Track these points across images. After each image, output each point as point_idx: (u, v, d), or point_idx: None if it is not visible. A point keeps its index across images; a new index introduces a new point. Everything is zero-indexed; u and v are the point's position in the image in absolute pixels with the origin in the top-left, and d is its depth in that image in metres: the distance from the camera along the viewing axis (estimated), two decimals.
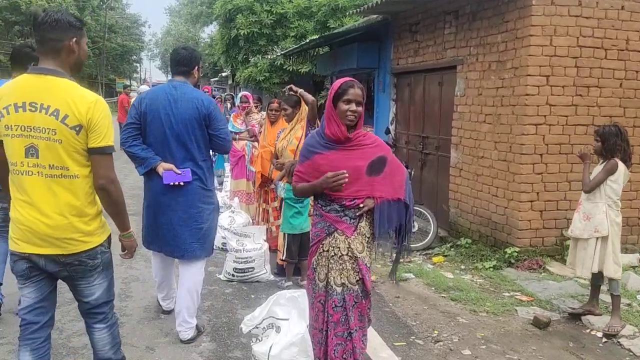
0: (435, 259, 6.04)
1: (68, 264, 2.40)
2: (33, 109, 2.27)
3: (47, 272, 2.44)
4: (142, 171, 3.57)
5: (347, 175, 2.73)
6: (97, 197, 2.46)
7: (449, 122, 6.90)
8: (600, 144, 4.13)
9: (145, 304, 4.33)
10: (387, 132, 8.06)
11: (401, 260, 3.16)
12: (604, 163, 4.13)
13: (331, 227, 2.90)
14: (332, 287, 2.88)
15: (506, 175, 5.81)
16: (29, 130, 2.28)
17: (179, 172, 3.51)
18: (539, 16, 5.40)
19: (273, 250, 5.32)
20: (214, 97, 16.57)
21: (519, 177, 5.62)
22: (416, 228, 6.45)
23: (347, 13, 11.91)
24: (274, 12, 13.86)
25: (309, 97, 4.70)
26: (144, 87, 16.80)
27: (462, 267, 5.77)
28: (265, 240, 5.12)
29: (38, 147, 2.29)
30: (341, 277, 2.87)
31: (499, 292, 4.96)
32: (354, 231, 2.88)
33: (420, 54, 7.70)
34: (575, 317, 4.36)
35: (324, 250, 2.92)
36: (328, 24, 13.16)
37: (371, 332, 3.34)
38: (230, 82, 23.76)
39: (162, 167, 3.50)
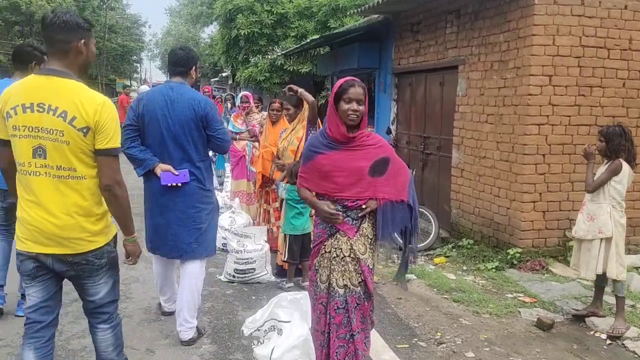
0: (437, 260, 6.01)
1: (75, 264, 2.42)
2: (41, 110, 2.28)
3: (53, 272, 2.45)
4: (140, 172, 3.58)
5: (341, 219, 2.83)
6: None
7: (451, 122, 6.87)
8: (605, 144, 4.09)
9: (146, 306, 4.30)
10: (389, 132, 8.04)
11: (410, 264, 3.12)
12: (608, 163, 4.09)
13: (333, 228, 2.87)
14: (334, 288, 2.86)
15: (508, 176, 5.78)
16: (36, 131, 2.29)
17: (177, 173, 3.52)
18: (542, 15, 5.37)
19: (273, 251, 5.28)
20: (214, 98, 16.57)
21: (522, 178, 5.59)
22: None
23: (348, 13, 11.89)
24: (275, 12, 13.84)
25: (309, 97, 4.67)
26: (144, 87, 16.78)
27: (464, 268, 5.74)
28: (266, 241, 5.09)
29: (46, 148, 2.30)
30: (343, 279, 2.85)
31: (502, 294, 4.92)
32: (356, 232, 2.86)
33: (421, 54, 7.67)
34: (579, 318, 4.33)
35: (326, 252, 2.90)
36: (329, 24, 13.14)
37: (373, 334, 3.30)
38: (230, 82, 23.73)
39: (160, 168, 3.51)
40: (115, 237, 2.56)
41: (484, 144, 6.18)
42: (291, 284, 4.81)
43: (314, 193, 2.93)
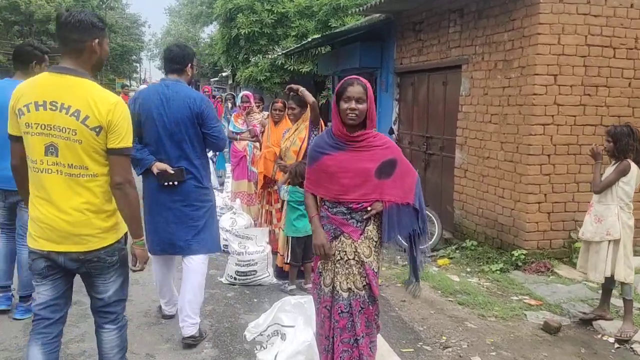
0: (440, 262, 5.94)
1: (87, 261, 2.42)
2: (53, 108, 2.29)
3: (64, 270, 2.46)
4: (138, 172, 3.57)
5: (331, 259, 2.79)
6: None
7: (454, 122, 6.80)
8: (612, 144, 4.02)
9: (146, 308, 4.23)
10: (391, 132, 7.97)
11: (420, 270, 3.03)
12: (616, 164, 4.02)
13: (337, 230, 2.82)
14: (338, 292, 2.81)
15: (513, 176, 5.71)
16: (49, 129, 2.30)
17: (172, 171, 3.53)
18: (547, 14, 5.31)
19: (274, 252, 5.22)
20: (214, 97, 16.50)
21: (526, 178, 5.52)
22: None
23: (349, 12, 11.82)
24: (275, 11, 13.76)
25: (310, 97, 4.60)
26: (144, 87, 16.69)
27: (468, 269, 5.67)
28: (267, 243, 5.03)
29: (58, 146, 2.31)
30: (347, 282, 2.79)
31: (507, 296, 4.85)
32: (360, 235, 2.80)
33: (424, 53, 7.60)
34: (586, 322, 4.26)
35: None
36: (329, 24, 13.06)
37: (378, 338, 3.23)
38: (230, 82, 23.63)
39: (157, 166, 3.53)
40: (125, 234, 2.57)
41: (488, 144, 6.11)
42: (293, 286, 4.75)
43: (318, 199, 2.88)
